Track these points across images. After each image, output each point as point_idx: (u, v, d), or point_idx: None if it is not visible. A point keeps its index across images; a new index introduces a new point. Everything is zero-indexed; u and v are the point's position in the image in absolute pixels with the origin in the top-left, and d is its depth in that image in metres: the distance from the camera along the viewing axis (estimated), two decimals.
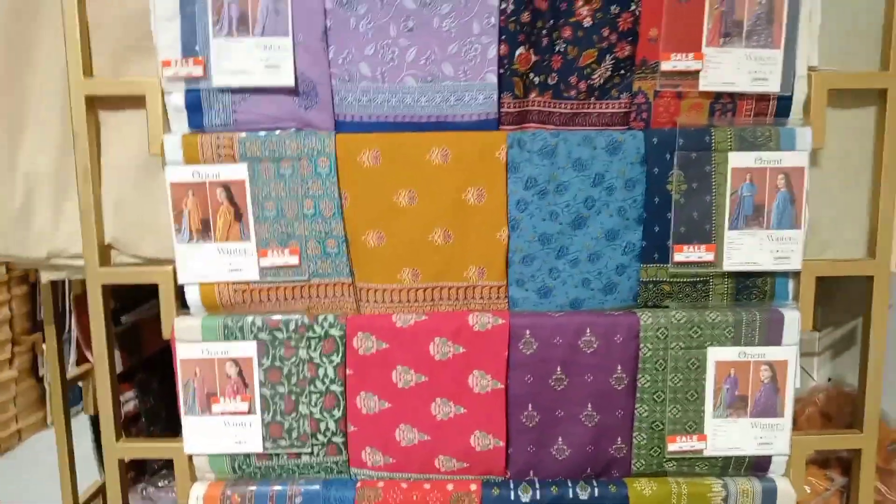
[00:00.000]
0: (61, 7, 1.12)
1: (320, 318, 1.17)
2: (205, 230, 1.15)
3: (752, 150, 1.13)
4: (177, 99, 1.12)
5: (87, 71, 1.14)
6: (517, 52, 1.12)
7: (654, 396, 1.18)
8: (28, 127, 1.21)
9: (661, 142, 1.13)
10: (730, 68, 1.11)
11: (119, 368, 1.47)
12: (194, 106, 1.12)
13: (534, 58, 1.13)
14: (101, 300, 1.19)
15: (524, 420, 1.19)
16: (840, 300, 1.66)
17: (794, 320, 1.16)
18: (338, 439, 1.20)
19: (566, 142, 1.13)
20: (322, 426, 1.20)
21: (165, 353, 1.22)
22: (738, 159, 1.13)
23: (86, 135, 1.14)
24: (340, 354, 1.18)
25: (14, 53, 1.18)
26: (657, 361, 1.17)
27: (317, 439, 1.20)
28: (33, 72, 1.20)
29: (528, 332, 1.16)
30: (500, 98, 1.13)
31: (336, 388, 1.19)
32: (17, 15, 1.17)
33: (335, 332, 1.17)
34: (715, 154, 1.13)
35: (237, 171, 1.13)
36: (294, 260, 1.16)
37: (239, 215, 1.15)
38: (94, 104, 1.16)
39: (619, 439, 1.20)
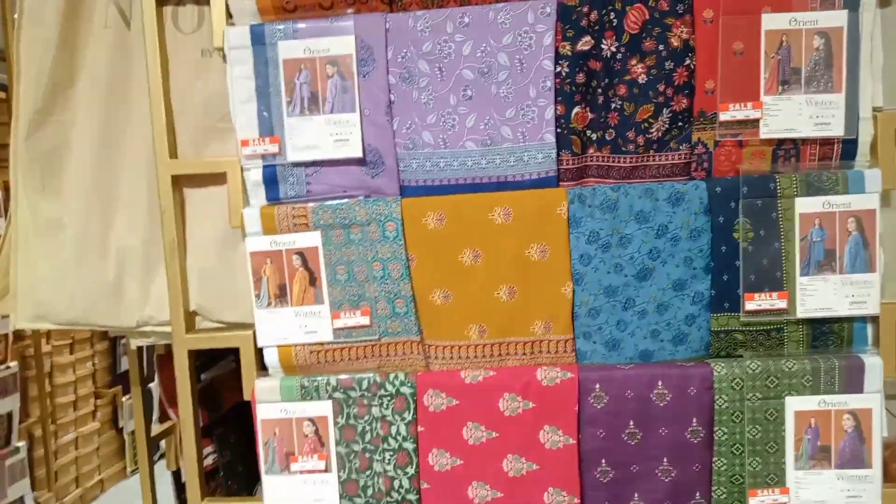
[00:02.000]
0: (149, 97, 1.22)
1: (391, 376, 1.21)
2: (282, 295, 1.21)
3: (819, 195, 1.11)
4: (255, 175, 1.20)
5: (173, 153, 1.24)
6: (574, 112, 1.15)
7: (733, 449, 1.15)
8: (120, 207, 1.32)
9: (724, 190, 1.13)
10: (790, 115, 1.11)
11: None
12: (271, 180, 1.20)
13: (590, 115, 1.16)
14: (188, 364, 1.26)
15: (598, 476, 1.18)
16: None
17: (875, 367, 1.12)
18: (412, 497, 1.22)
19: (627, 195, 1.14)
20: (396, 483, 1.22)
21: (242, 407, 1.27)
22: (806, 204, 1.12)
23: (172, 211, 1.24)
24: (412, 412, 1.20)
25: (108, 144, 1.31)
26: (734, 413, 1.14)
27: (391, 497, 1.22)
28: (123, 157, 1.31)
29: (598, 385, 1.15)
30: (558, 156, 1.16)
31: (408, 445, 1.21)
32: (108, 112, 1.30)
33: (406, 389, 1.20)
34: (781, 200, 1.12)
35: (311, 239, 1.19)
36: (365, 320, 1.21)
37: (313, 280, 1.21)
38: (179, 182, 1.25)
39: (698, 494, 1.17)
